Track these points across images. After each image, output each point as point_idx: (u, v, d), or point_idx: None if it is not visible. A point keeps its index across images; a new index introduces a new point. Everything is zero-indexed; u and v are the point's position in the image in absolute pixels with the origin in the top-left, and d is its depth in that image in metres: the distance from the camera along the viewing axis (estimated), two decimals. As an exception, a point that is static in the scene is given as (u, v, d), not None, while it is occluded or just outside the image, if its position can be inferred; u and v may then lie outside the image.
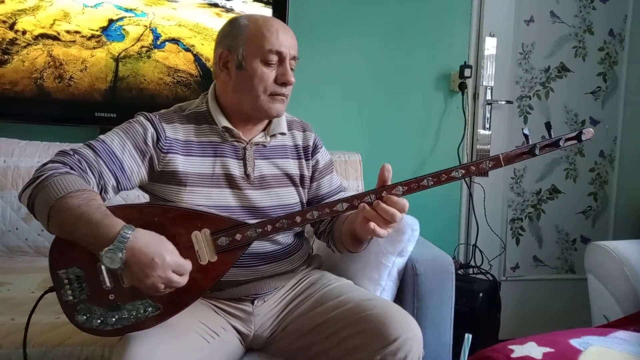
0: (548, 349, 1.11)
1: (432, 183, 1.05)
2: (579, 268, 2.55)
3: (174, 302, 0.99)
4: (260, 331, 1.18)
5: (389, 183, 1.06)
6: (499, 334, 2.14)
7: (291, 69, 1.16)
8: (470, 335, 0.81)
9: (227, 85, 1.17)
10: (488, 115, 2.35)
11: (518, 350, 1.11)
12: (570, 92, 2.47)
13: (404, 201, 1.03)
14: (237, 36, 1.14)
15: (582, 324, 1.66)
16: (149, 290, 0.94)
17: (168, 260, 0.93)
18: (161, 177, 1.13)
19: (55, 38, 1.87)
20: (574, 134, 1.05)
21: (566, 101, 2.48)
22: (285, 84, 1.14)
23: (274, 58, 1.12)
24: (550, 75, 2.46)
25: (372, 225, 1.02)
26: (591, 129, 1.05)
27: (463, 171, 1.05)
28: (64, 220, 0.94)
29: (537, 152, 1.04)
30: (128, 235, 0.91)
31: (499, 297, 2.11)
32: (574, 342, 1.15)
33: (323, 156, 1.33)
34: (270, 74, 1.13)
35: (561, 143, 1.05)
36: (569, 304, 2.50)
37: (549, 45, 2.44)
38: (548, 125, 1.06)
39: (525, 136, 1.06)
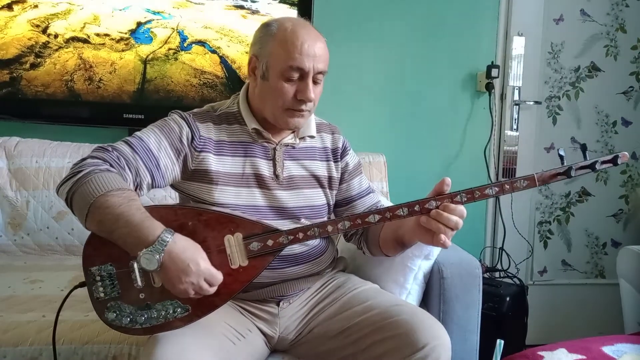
0: (579, 356, 1.08)
1: (465, 200, 1.04)
2: (609, 273, 2.49)
3: (203, 304, 1.00)
4: (285, 333, 1.18)
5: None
6: (526, 339, 2.10)
7: (316, 83, 1.13)
8: (502, 341, 0.80)
9: (254, 90, 1.18)
10: (516, 116, 2.31)
11: (548, 356, 1.09)
12: (601, 92, 2.41)
13: (462, 208, 1.03)
14: (264, 44, 1.13)
15: (611, 330, 1.62)
16: (179, 295, 0.96)
17: (202, 268, 0.95)
18: (193, 175, 1.14)
19: (85, 41, 1.91)
20: (610, 157, 1.05)
21: (597, 101, 2.42)
22: (303, 101, 1.12)
23: (295, 75, 1.10)
24: (581, 75, 2.40)
25: (443, 238, 1.02)
26: (627, 153, 1.05)
27: (497, 189, 1.05)
28: (102, 218, 0.96)
29: (572, 173, 1.05)
30: (168, 239, 0.93)
31: (526, 301, 2.08)
32: (607, 349, 1.12)
33: (352, 158, 1.33)
34: (289, 89, 1.11)
35: (597, 166, 1.05)
36: (598, 309, 2.44)
37: (579, 45, 2.38)
38: (584, 148, 1.07)
39: (561, 157, 1.07)
